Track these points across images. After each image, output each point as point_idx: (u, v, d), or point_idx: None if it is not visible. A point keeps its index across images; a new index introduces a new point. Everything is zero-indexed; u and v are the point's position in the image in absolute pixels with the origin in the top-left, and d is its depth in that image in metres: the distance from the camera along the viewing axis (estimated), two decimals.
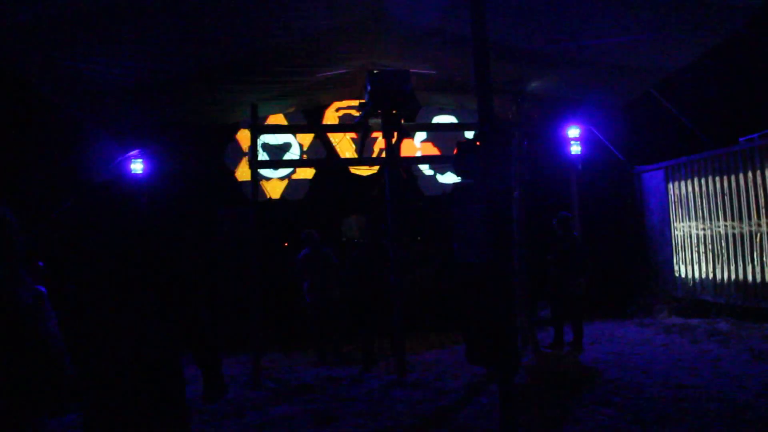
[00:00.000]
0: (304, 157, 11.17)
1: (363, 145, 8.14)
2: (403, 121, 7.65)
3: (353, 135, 11.01)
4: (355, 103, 9.08)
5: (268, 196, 11.18)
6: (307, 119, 11.12)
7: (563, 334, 8.72)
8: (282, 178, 11.30)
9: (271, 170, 11.25)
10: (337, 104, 11.29)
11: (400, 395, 6.63)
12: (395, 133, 7.46)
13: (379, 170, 11.23)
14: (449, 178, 11.44)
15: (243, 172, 11.01)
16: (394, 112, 7.20)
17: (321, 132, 11.00)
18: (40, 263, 8.00)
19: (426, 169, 11.49)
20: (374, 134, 8.82)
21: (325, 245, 8.97)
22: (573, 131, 10.73)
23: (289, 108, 10.47)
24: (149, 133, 9.87)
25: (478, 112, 3.93)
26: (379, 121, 7.57)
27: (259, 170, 11.01)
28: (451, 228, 4.16)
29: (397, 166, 7.87)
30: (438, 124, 11.03)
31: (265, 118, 10.63)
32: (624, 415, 5.38)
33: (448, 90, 9.98)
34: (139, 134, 9.73)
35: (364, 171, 11.26)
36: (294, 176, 11.30)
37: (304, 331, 9.61)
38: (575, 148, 10.75)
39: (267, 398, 6.78)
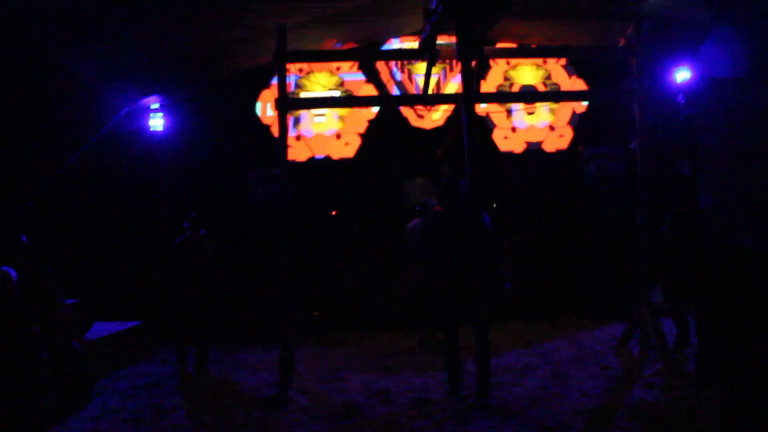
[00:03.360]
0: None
1: (429, 78, 5.91)
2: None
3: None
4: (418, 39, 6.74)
5: (311, 155, 9.18)
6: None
7: (689, 327, 6.51)
8: (326, 133, 9.25)
9: (313, 123, 9.22)
10: (393, 42, 9.14)
11: (483, 430, 4.61)
12: (475, 59, 5.32)
13: (446, 122, 9.09)
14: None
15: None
16: (475, 25, 5.00)
17: (370, 63, 8.65)
18: (23, 237, 6.13)
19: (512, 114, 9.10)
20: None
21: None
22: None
23: (327, 41, 8.19)
24: (166, 81, 8.00)
25: None
26: (452, 43, 5.41)
27: (293, 118, 9.07)
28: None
29: (472, 107, 5.68)
30: (536, 49, 8.28)
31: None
32: None
33: (533, 16, 7.47)
34: (153, 82, 7.87)
35: (427, 123, 9.06)
36: (342, 130, 9.22)
37: (350, 319, 8.60)
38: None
39: (290, 425, 4.88)
